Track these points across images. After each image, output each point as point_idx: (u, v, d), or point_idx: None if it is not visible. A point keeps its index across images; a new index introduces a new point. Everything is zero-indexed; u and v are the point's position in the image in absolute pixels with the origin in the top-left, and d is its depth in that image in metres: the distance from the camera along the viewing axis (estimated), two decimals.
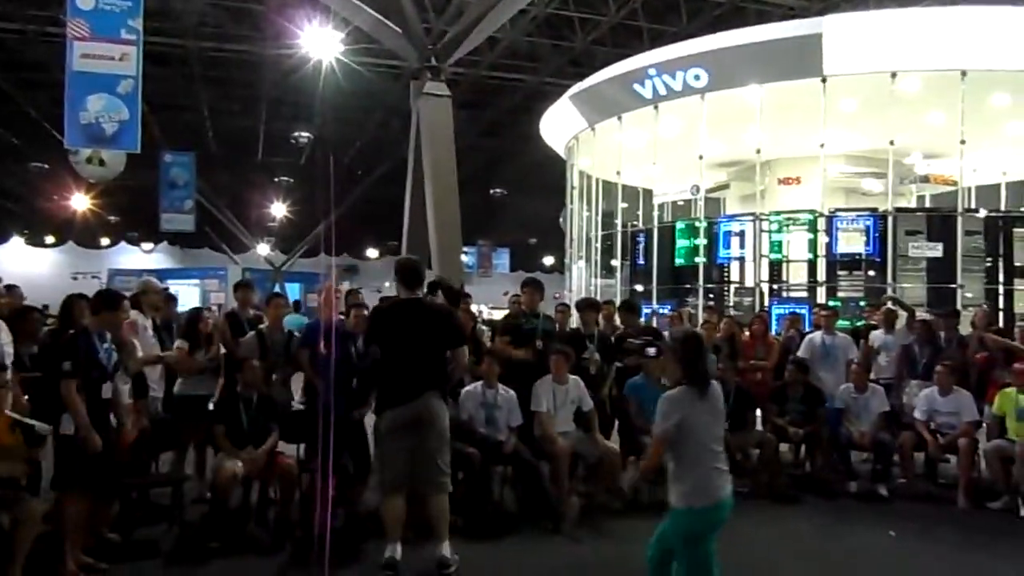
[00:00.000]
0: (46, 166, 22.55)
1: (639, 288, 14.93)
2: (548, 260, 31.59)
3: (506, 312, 8.80)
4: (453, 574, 4.90)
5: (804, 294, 12.56)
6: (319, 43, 14.50)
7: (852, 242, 12.33)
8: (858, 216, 12.36)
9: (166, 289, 6.96)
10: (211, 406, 6.16)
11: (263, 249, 30.71)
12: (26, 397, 5.04)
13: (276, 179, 27.01)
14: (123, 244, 32.05)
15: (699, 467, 3.62)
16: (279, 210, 28.61)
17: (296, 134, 22.55)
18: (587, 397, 6.61)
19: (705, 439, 3.64)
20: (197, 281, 27.27)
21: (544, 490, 6.09)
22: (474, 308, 10.76)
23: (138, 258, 29.54)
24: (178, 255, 32.30)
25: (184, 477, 5.99)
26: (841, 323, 10.39)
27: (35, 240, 31.22)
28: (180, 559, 5.16)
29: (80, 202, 23.85)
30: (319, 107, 19.59)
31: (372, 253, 34.24)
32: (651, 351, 6.49)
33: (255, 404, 5.72)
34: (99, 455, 4.56)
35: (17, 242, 31.04)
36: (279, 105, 21.29)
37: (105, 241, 31.77)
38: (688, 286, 13.78)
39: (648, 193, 15.87)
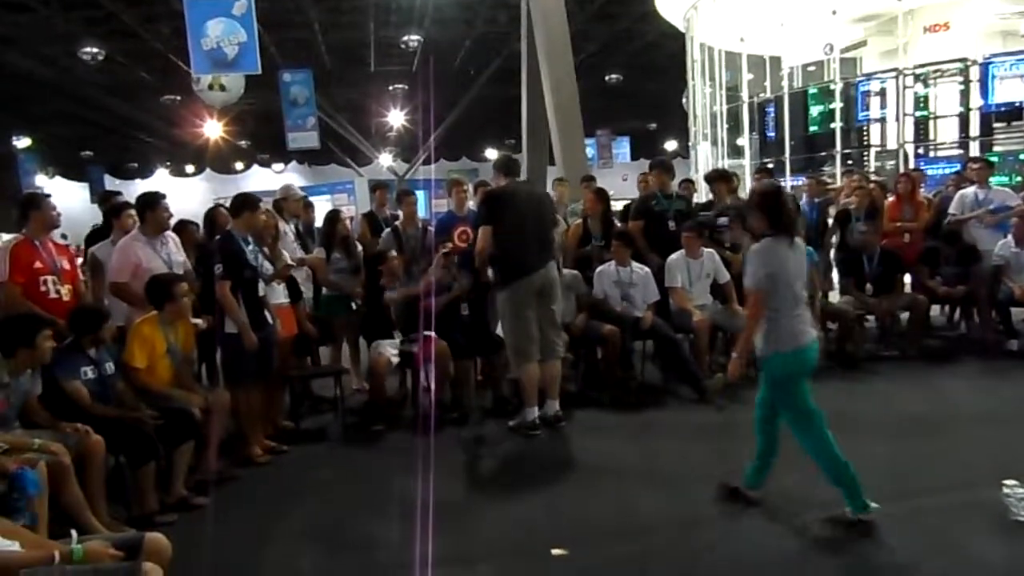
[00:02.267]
0: (178, 98, 23.60)
1: (769, 163, 14.27)
2: (670, 145, 30.59)
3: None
4: (563, 427, 5.41)
5: (955, 152, 11.61)
6: None
7: (1011, 90, 11.22)
8: (1018, 60, 11.16)
9: (304, 196, 7.25)
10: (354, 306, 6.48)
11: (386, 159, 31.33)
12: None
13: (391, 87, 27.17)
14: (255, 167, 33.52)
15: (786, 314, 3.68)
16: (397, 119, 28.93)
17: (406, 38, 22.44)
18: (722, 269, 6.51)
19: (793, 286, 3.69)
20: (328, 196, 28.31)
21: (685, 362, 6.12)
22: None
23: (271, 179, 30.77)
24: (307, 173, 33.51)
25: (341, 369, 6.38)
26: (1000, 179, 9.65)
27: (177, 170, 33.16)
28: (346, 442, 5.58)
29: (213, 130, 24.97)
30: (422, 7, 19.38)
31: (491, 154, 34.26)
32: (723, 220, 6.82)
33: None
34: (261, 350, 4.90)
35: (162, 174, 33.06)
36: (386, 11, 21.18)
37: (239, 166, 33.32)
38: (824, 154, 13.02)
39: (775, 61, 14.91)
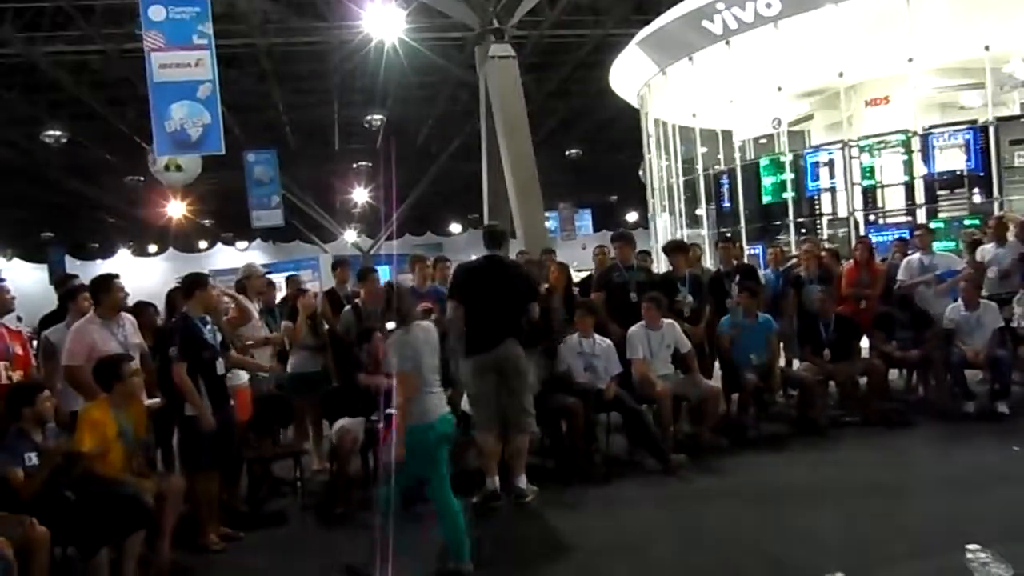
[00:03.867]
0: (141, 179, 23.64)
1: (727, 232, 14.60)
2: (631, 216, 31.19)
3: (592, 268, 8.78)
4: (530, 502, 5.33)
5: (903, 219, 12.01)
6: (382, 22, 14.63)
7: (951, 159, 11.71)
8: (956, 131, 11.70)
9: (267, 273, 7.25)
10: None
11: (350, 235, 31.46)
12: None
13: (355, 165, 27.52)
14: (219, 246, 33.43)
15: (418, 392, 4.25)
16: (361, 196, 29.21)
17: (369, 118, 22.87)
18: (683, 339, 6.58)
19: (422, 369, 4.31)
20: (292, 273, 28.19)
21: (650, 433, 6.12)
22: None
23: (235, 257, 30.68)
24: (271, 250, 33.47)
25: (302, 450, 6.27)
26: (946, 244, 9.97)
27: (140, 250, 32.92)
28: (306, 525, 5.43)
29: (176, 209, 24.96)
30: (384, 88, 19.82)
31: (455, 228, 34.61)
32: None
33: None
34: (220, 432, 4.80)
35: (124, 254, 32.79)
36: (350, 92, 21.61)
37: (202, 244, 33.21)
38: (778, 223, 13.40)
39: (728, 134, 15.44)
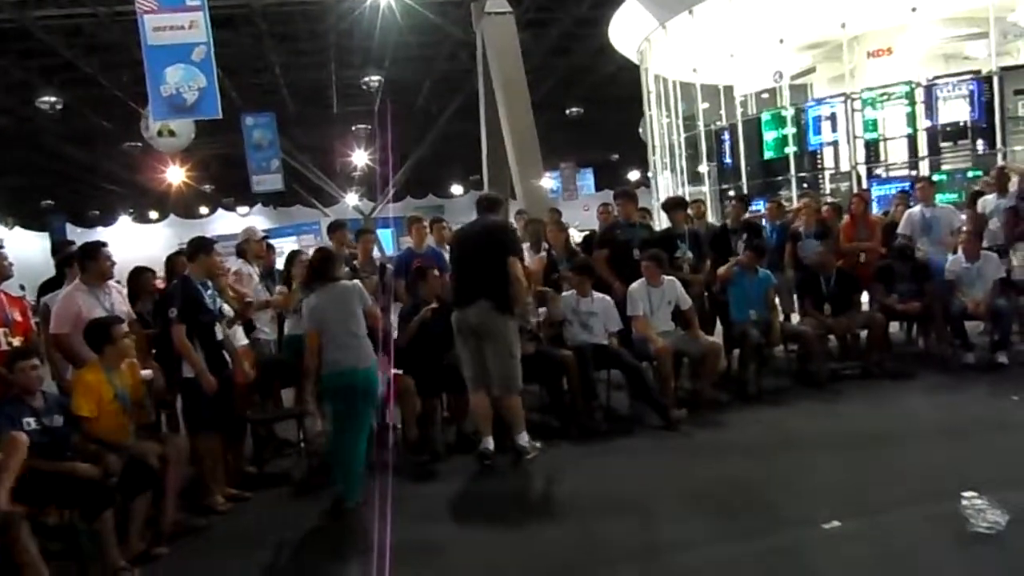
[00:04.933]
0: (139, 144, 23.49)
1: (730, 188, 14.53)
2: (633, 175, 30.98)
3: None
4: (531, 460, 5.33)
5: (905, 172, 11.92)
6: None
7: (955, 110, 11.59)
8: (959, 81, 11.55)
9: (265, 237, 7.24)
10: None
11: (351, 199, 31.36)
12: (153, 351, 5.42)
13: (354, 127, 27.29)
14: (220, 211, 33.36)
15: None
16: (361, 158, 29.03)
17: (367, 79, 22.61)
18: (684, 295, 6.58)
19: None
20: (293, 238, 28.20)
21: (650, 390, 6.15)
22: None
23: (236, 222, 30.58)
24: (272, 215, 33.40)
25: (304, 411, 6.31)
26: (948, 197, 9.91)
27: (141, 217, 32.88)
28: (310, 485, 5.48)
29: (175, 175, 24.85)
30: (382, 48, 19.58)
31: (457, 190, 34.46)
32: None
33: None
34: (221, 395, 4.83)
35: (125, 220, 32.75)
36: (347, 53, 21.36)
37: (203, 210, 33.15)
38: (780, 178, 13.31)
39: (729, 90, 15.26)
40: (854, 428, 5.59)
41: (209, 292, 4.97)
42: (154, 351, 5.38)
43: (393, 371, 5.67)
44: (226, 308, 5.27)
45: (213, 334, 4.91)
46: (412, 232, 7.18)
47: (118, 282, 5.50)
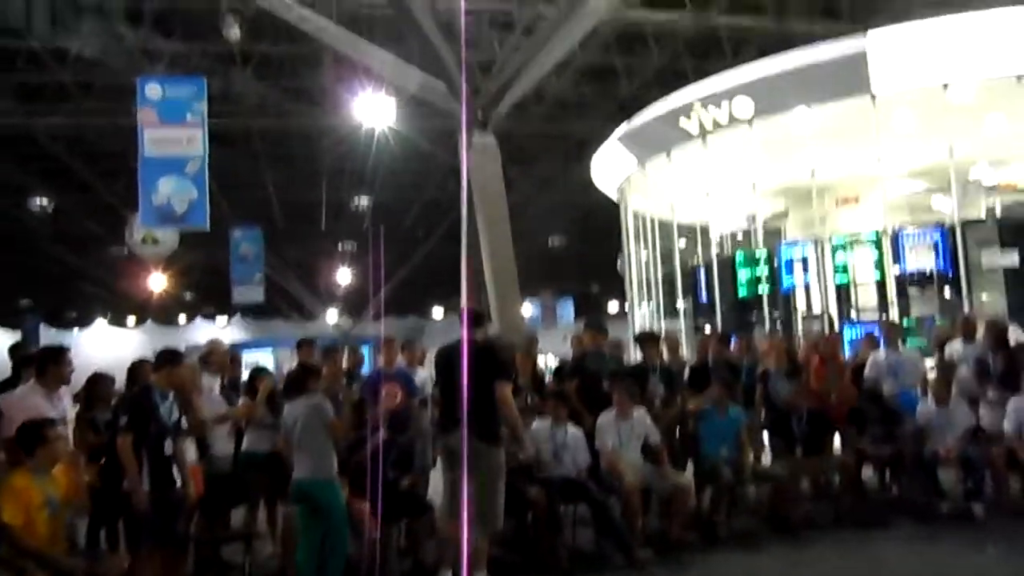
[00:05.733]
0: (124, 249, 23.67)
1: (705, 325, 14.68)
2: (612, 306, 31.34)
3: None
4: None
5: (875, 316, 12.15)
6: (373, 111, 15.02)
7: (921, 258, 11.96)
8: (924, 231, 11.99)
9: (229, 349, 7.18)
10: None
11: (332, 316, 31.38)
12: (103, 460, 5.24)
13: (340, 246, 27.72)
14: (199, 320, 33.17)
15: None
16: (345, 276, 29.30)
17: (357, 200, 23.19)
18: (654, 430, 6.50)
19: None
20: (271, 351, 27.96)
21: (616, 527, 5.97)
22: (541, 358, 10.89)
23: (213, 333, 30.39)
24: (251, 326, 33.21)
25: (252, 533, 6.06)
26: (916, 342, 10.06)
27: (118, 321, 32.62)
28: None
29: (157, 282, 24.88)
30: (373, 172, 20.18)
31: (437, 314, 34.61)
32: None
33: None
34: (165, 511, 4.65)
35: (101, 324, 32.46)
36: (339, 175, 21.97)
37: (182, 319, 32.96)
38: (754, 318, 13.52)
39: (705, 229, 15.73)
40: None
41: (167, 403, 4.86)
42: (103, 460, 5.20)
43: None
44: (183, 422, 5.14)
45: (162, 448, 4.76)
46: (384, 352, 7.14)
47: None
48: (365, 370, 8.51)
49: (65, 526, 4.45)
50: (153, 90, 11.44)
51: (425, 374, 7.49)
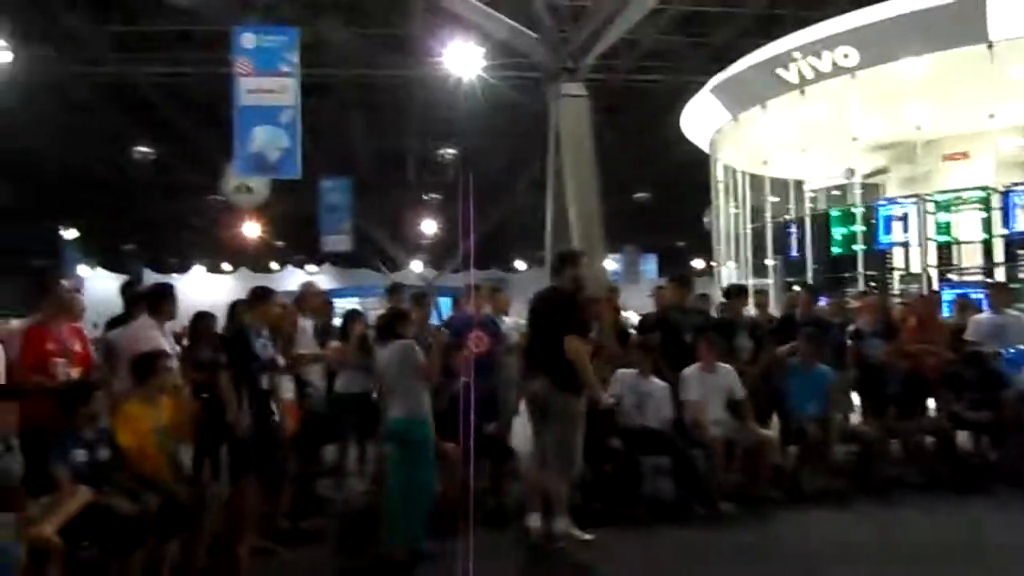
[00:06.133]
0: (220, 198, 24.53)
1: (795, 282, 14.29)
2: (697, 263, 30.81)
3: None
4: (561, 547, 5.08)
5: (980, 277, 11.58)
6: (462, 60, 15.01)
7: None
8: None
9: (323, 292, 7.39)
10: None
11: (416, 266, 31.92)
12: (205, 395, 5.52)
13: (426, 197, 28.01)
14: (289, 268, 34.30)
15: None
16: (430, 227, 29.68)
17: (443, 151, 23.31)
18: (739, 385, 6.42)
19: None
20: (358, 299, 28.74)
21: (699, 478, 5.96)
22: (624, 313, 10.85)
23: (304, 280, 31.53)
24: (339, 275, 34.16)
25: (343, 470, 6.29)
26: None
27: (214, 267, 34.06)
28: (344, 547, 5.43)
29: (250, 230, 25.75)
30: (460, 122, 20.20)
31: (521, 265, 34.76)
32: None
33: None
34: (264, 445, 4.87)
35: (198, 270, 33.96)
36: (427, 125, 22.11)
37: (274, 266, 34.15)
38: (847, 275, 13.07)
39: (799, 184, 15.20)
40: (913, 542, 5.28)
41: (261, 340, 5.06)
42: (205, 396, 5.47)
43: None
44: (279, 359, 5.35)
45: (259, 382, 4.97)
46: (472, 299, 7.23)
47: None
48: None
49: (171, 454, 4.72)
50: (248, 39, 11.66)
51: (511, 322, 7.57)
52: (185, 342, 6.33)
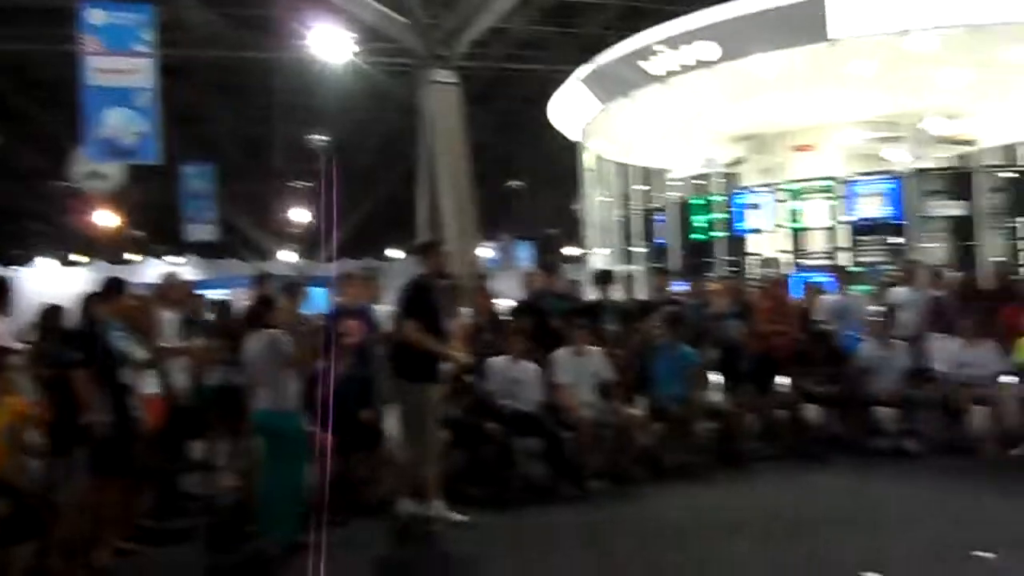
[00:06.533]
0: (70, 185, 22.96)
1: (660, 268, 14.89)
2: (571, 250, 31.51)
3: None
4: (437, 529, 5.23)
5: (825, 262, 12.47)
6: (329, 44, 14.66)
7: (872, 207, 12.24)
8: (877, 180, 12.25)
9: (186, 283, 7.07)
10: None
11: (287, 255, 31.02)
12: (56, 393, 5.18)
13: (295, 184, 27.26)
14: (150, 259, 32.52)
15: None
16: (300, 215, 28.90)
17: (312, 137, 22.76)
18: (607, 367, 6.65)
19: None
20: (227, 291, 27.62)
21: (568, 459, 6.14)
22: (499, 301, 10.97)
23: (166, 271, 30.01)
24: (205, 266, 32.68)
25: (210, 465, 6.08)
26: (865, 288, 10.35)
27: (66, 260, 31.83)
28: (214, 543, 5.25)
29: (104, 219, 24.23)
30: (329, 108, 19.78)
31: (394, 254, 34.43)
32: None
33: None
34: (123, 442, 4.65)
35: (47, 262, 31.63)
36: (293, 110, 21.50)
37: (132, 257, 32.28)
38: (708, 260, 13.75)
39: (664, 172, 15.84)
40: (769, 511, 5.65)
41: (117, 335, 4.83)
42: (56, 393, 5.14)
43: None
44: (138, 353, 5.10)
45: (117, 377, 4.74)
46: (344, 288, 7.12)
47: None
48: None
49: (18, 455, 4.42)
50: (97, 15, 10.92)
51: (385, 310, 7.50)
52: (33, 338, 5.92)
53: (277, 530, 4.79)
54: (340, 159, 24.18)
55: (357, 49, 14.58)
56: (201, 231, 23.14)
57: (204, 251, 30.87)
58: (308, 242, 30.77)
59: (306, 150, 24.43)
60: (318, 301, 9.51)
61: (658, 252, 15.19)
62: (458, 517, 5.34)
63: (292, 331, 5.36)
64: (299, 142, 23.92)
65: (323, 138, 23.09)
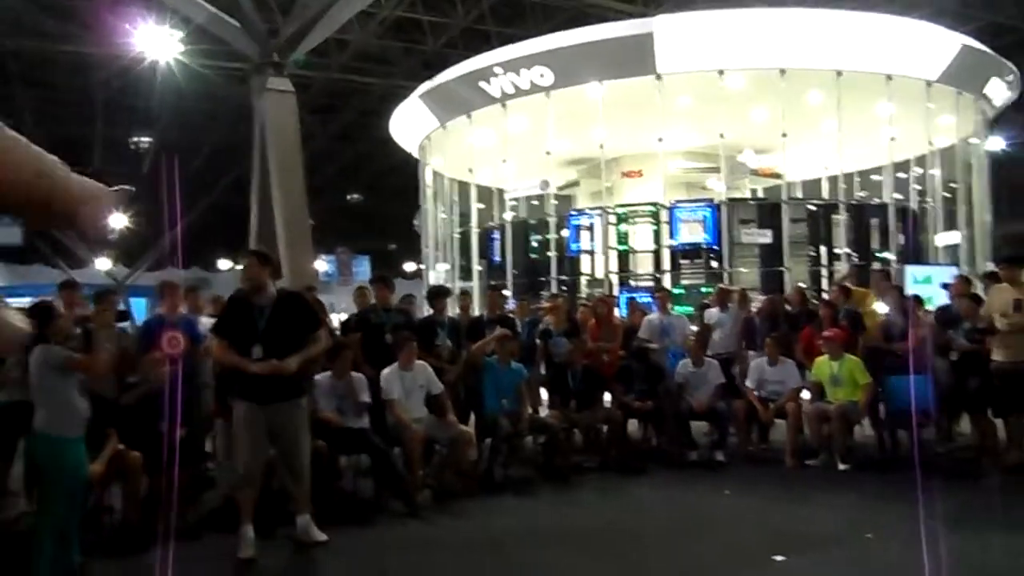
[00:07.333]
0: None
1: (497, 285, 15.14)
2: (409, 266, 31.39)
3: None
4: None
5: (651, 283, 13.15)
6: (155, 42, 13.85)
7: (693, 232, 13.06)
8: (696, 207, 13.11)
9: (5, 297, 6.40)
10: None
11: (104, 263, 28.81)
12: None
13: (115, 188, 25.45)
14: None
15: None
16: (119, 221, 26.98)
17: (136, 139, 21.38)
18: (436, 381, 6.65)
19: None
20: (31, 299, 25.25)
21: (397, 475, 6.08)
22: (335, 316, 10.78)
23: None
24: (10, 272, 29.76)
25: (5, 489, 5.52)
26: (685, 309, 11.02)
27: None
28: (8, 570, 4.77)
29: None
30: (157, 110, 18.69)
31: (224, 264, 32.90)
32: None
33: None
34: None
35: None
36: (115, 109, 20.13)
37: None
38: (543, 279, 14.15)
39: (501, 192, 16.16)
40: (593, 522, 5.82)
41: None
42: None
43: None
44: None
45: None
46: (165, 297, 6.72)
47: None
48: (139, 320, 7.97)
49: None
50: None
51: (209, 323, 7.14)
52: None
53: (49, 557, 4.30)
54: (168, 163, 22.89)
55: (183, 48, 13.86)
56: (5, 235, 21.09)
57: (9, 256, 28.16)
58: (131, 250, 28.78)
59: (130, 151, 22.94)
60: (136, 312, 8.95)
61: (495, 269, 15.44)
62: (321, 536, 5.16)
63: (71, 342, 4.90)
64: (123, 143, 22.42)
65: (149, 139, 21.74)
